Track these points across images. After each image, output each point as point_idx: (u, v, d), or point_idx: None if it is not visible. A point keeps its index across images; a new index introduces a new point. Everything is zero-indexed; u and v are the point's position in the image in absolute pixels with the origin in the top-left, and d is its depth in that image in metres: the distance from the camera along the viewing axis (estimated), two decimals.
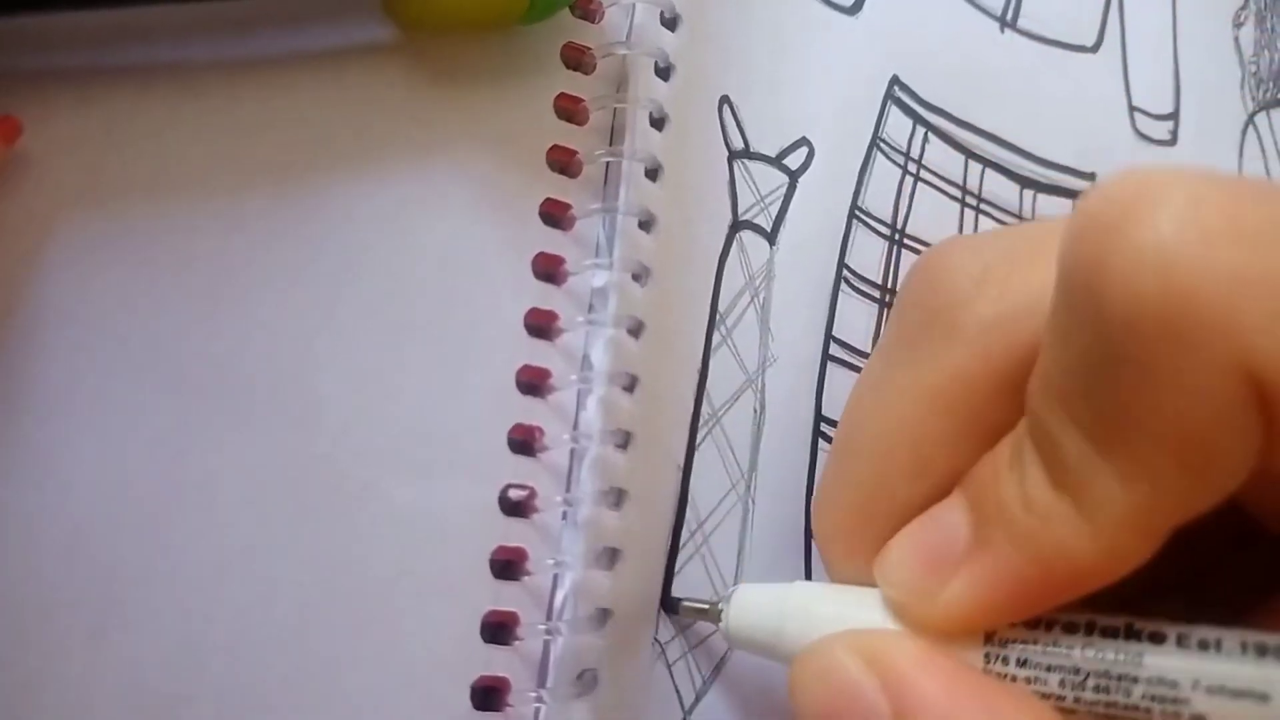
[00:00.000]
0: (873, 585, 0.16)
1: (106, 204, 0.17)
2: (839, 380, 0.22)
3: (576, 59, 0.20)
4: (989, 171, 0.25)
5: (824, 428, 0.22)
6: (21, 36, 0.17)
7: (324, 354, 0.18)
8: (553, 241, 0.20)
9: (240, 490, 0.17)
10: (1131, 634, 0.14)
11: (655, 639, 0.19)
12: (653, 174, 0.20)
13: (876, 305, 0.23)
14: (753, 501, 0.21)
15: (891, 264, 0.23)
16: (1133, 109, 0.28)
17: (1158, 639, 0.14)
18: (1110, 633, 0.14)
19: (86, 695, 0.15)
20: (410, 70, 0.19)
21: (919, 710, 0.14)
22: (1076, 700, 0.14)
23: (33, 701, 0.15)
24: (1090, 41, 0.28)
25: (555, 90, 0.20)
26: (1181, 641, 0.14)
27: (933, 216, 0.24)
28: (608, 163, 0.20)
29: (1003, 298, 0.16)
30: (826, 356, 0.22)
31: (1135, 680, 0.14)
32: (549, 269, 0.20)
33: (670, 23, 0.21)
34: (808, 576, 0.21)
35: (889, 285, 0.23)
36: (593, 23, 0.21)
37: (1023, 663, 0.15)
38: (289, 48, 0.18)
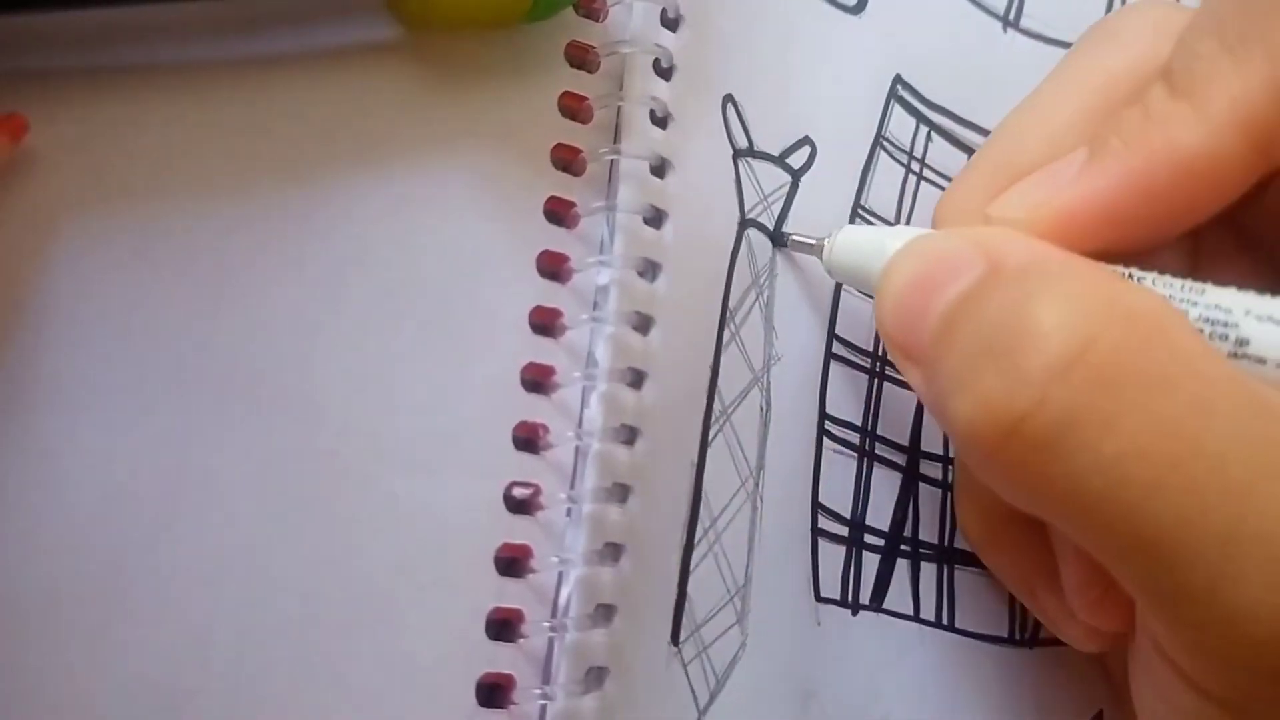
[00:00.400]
0: None
1: (111, 201, 0.17)
2: (842, 379, 0.22)
3: (580, 57, 0.20)
4: None
5: (828, 426, 0.22)
6: (27, 35, 0.17)
7: (328, 351, 0.18)
8: (557, 239, 0.20)
9: (244, 486, 0.17)
10: (1200, 280, 0.16)
11: (673, 638, 0.19)
12: (660, 170, 0.20)
13: None
14: (760, 499, 0.21)
15: None
16: None
17: (1221, 285, 0.16)
18: (1181, 276, 0.16)
19: (90, 690, 0.15)
20: (414, 69, 0.19)
21: (1015, 255, 0.15)
22: None
23: (36, 697, 0.15)
24: None
25: (559, 88, 0.20)
26: (1241, 288, 0.16)
27: None
28: (612, 160, 0.20)
29: (1172, 9, 0.18)
30: (829, 355, 0.22)
31: (1195, 304, 0.16)
32: (553, 266, 0.20)
33: (672, 22, 0.21)
34: (815, 577, 0.21)
35: None
36: (596, 21, 0.21)
37: None
38: (293, 46, 0.19)
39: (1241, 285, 0.16)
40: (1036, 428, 0.13)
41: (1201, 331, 0.15)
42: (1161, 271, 0.16)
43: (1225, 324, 0.15)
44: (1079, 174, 0.16)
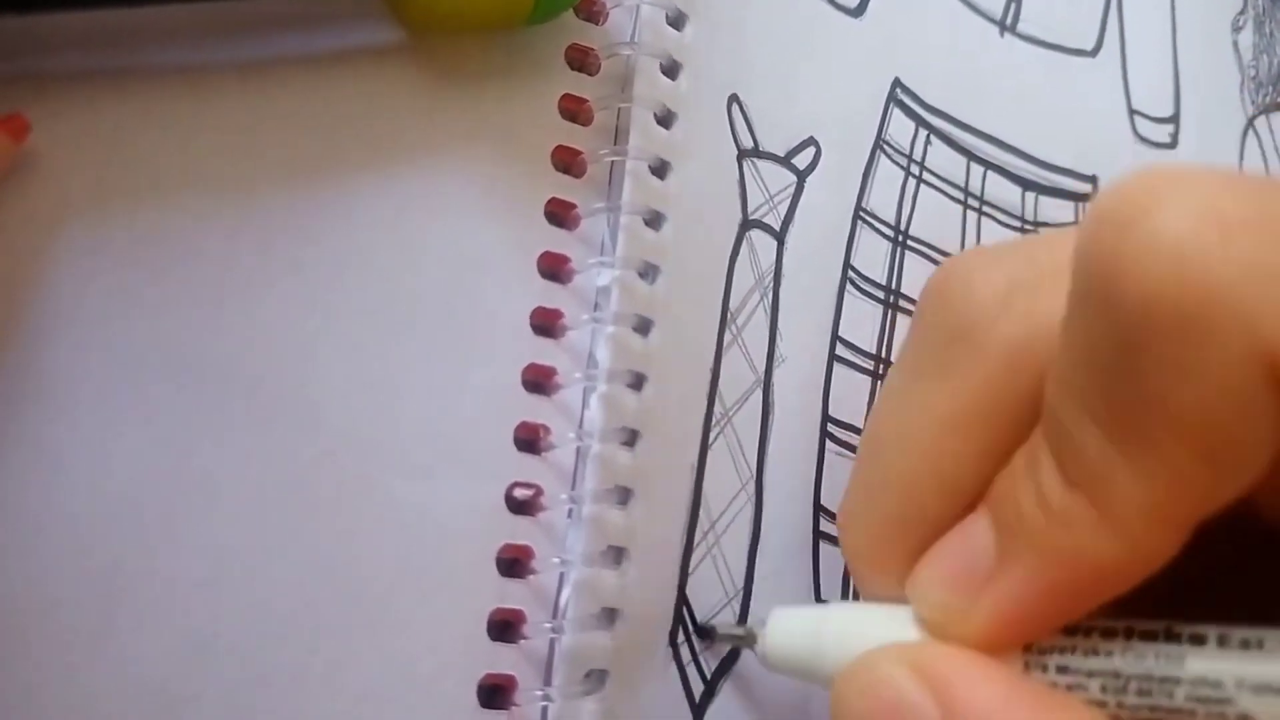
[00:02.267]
0: (906, 601, 0.16)
1: (113, 203, 0.17)
2: (845, 381, 0.22)
3: (580, 60, 0.20)
4: (990, 174, 0.25)
5: (831, 428, 0.22)
6: (30, 36, 0.17)
7: (329, 352, 0.18)
8: (558, 240, 0.20)
9: (245, 488, 0.17)
10: (1171, 636, 0.14)
11: (670, 639, 0.19)
12: (660, 171, 0.20)
13: (881, 306, 0.23)
14: (762, 502, 0.21)
15: (895, 265, 0.24)
16: (1133, 112, 0.28)
17: (1198, 640, 0.14)
18: (1149, 636, 0.14)
19: (90, 694, 0.15)
20: (416, 71, 0.19)
21: (971, 716, 0.14)
22: (1119, 705, 0.14)
23: (37, 699, 0.15)
24: (1089, 45, 0.28)
25: (560, 91, 0.20)
26: (1223, 642, 0.14)
27: (935, 218, 0.24)
28: (612, 162, 0.20)
29: (1028, 315, 0.16)
30: (833, 357, 0.22)
31: (1178, 682, 0.14)
32: (554, 268, 0.20)
33: (676, 22, 0.21)
34: (816, 579, 0.21)
35: (893, 286, 0.23)
36: (597, 24, 0.21)
37: (1063, 669, 0.15)
38: (296, 49, 0.19)
39: (1219, 633, 0.14)
40: None
41: (1194, 713, 0.14)
42: (1129, 625, 0.14)
43: (1219, 700, 0.13)
44: (994, 578, 0.15)
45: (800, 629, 0.17)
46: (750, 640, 0.18)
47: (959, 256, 0.18)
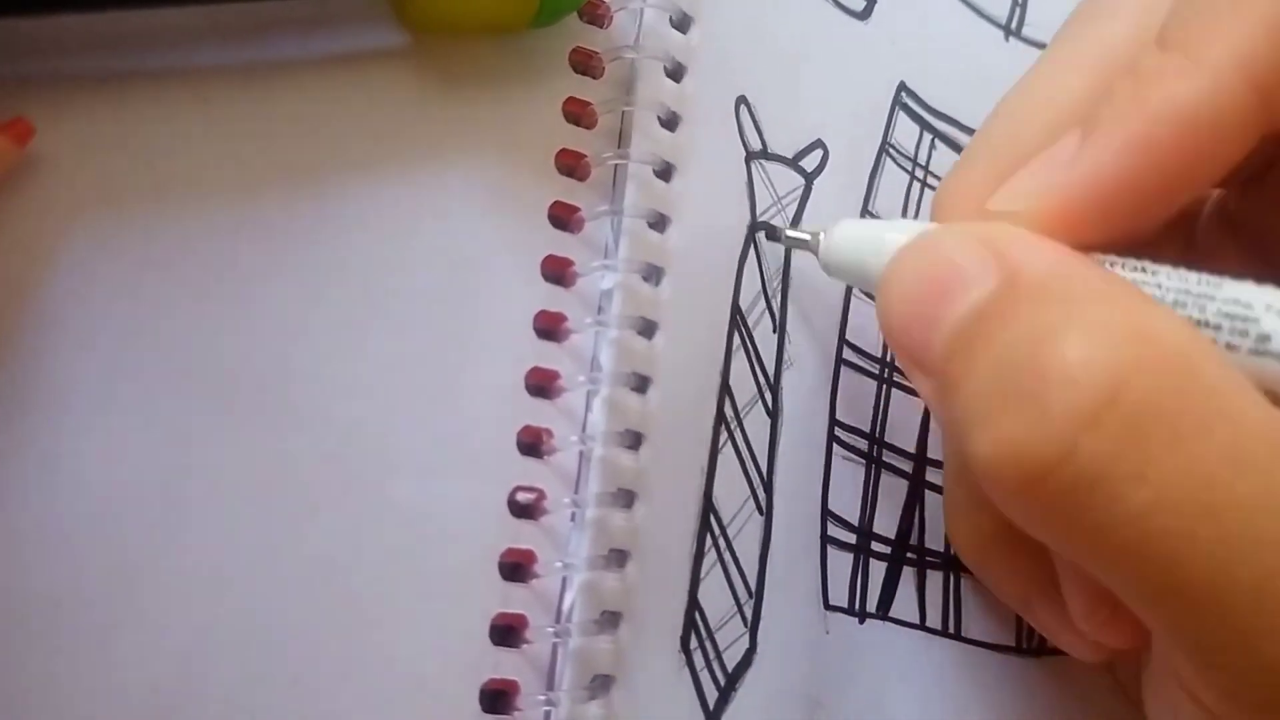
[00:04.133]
0: None
1: (117, 206, 0.17)
2: (852, 385, 0.22)
3: (584, 64, 0.20)
4: None
5: (838, 432, 0.22)
6: (34, 39, 0.17)
7: (333, 355, 0.18)
8: (561, 244, 0.20)
9: (247, 489, 0.17)
10: (1216, 273, 0.15)
11: (682, 645, 0.19)
12: (665, 174, 0.20)
13: None
14: (771, 506, 0.21)
15: None
16: None
17: (1239, 277, 0.15)
18: (1196, 268, 0.15)
19: (92, 694, 0.15)
20: (420, 74, 0.19)
21: (1030, 270, 0.14)
22: None
23: (40, 701, 0.15)
24: None
25: (564, 94, 0.20)
26: (1259, 280, 0.15)
27: None
28: (616, 165, 0.20)
29: None
30: (840, 360, 0.22)
31: (1212, 299, 0.15)
32: (557, 271, 0.20)
33: (680, 25, 0.21)
34: (824, 585, 0.21)
35: None
36: (600, 28, 0.21)
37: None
38: (300, 52, 0.19)
39: (1257, 276, 0.15)
40: (1064, 478, 0.13)
41: (1220, 327, 0.15)
42: (1175, 264, 0.16)
43: (1245, 319, 0.15)
44: (1076, 154, 0.15)
45: (865, 234, 0.18)
46: (814, 245, 0.19)
47: None
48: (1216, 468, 0.13)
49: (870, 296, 0.22)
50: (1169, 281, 0.15)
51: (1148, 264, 0.16)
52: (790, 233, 0.20)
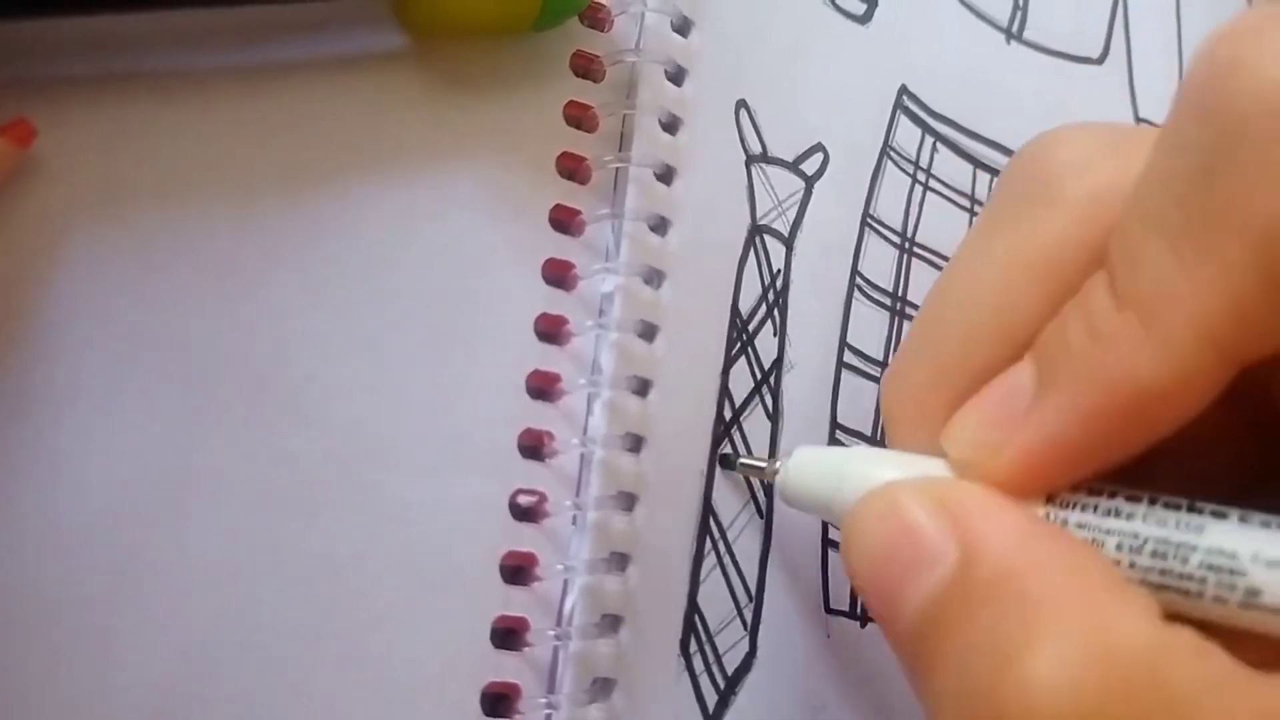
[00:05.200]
0: (939, 457, 0.16)
1: (119, 207, 0.17)
2: (853, 388, 0.22)
3: (585, 67, 0.20)
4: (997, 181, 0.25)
5: (839, 435, 0.22)
6: (36, 41, 0.17)
7: (333, 357, 0.18)
8: (562, 247, 0.20)
9: (249, 491, 0.17)
10: (1194, 509, 0.14)
11: (681, 648, 0.19)
12: (666, 177, 0.20)
13: (888, 314, 0.23)
14: (771, 509, 0.20)
15: (902, 272, 0.23)
16: (1139, 120, 0.28)
17: (1220, 515, 0.14)
18: (1173, 506, 0.14)
19: (94, 694, 0.15)
20: (421, 77, 0.19)
21: (989, 555, 0.14)
22: (1132, 566, 0.14)
23: (41, 701, 0.15)
24: (1096, 53, 0.28)
25: (565, 97, 0.20)
26: (1244, 520, 0.14)
27: (942, 226, 0.24)
28: (617, 168, 0.20)
29: (1110, 173, 0.15)
30: (841, 364, 0.22)
31: (1194, 549, 0.14)
32: (558, 274, 0.20)
33: (681, 28, 0.21)
34: (825, 588, 0.21)
35: (900, 294, 0.23)
36: (601, 31, 0.21)
37: (1081, 525, 0.14)
38: (302, 55, 0.19)
39: (1240, 511, 0.14)
40: None
41: (1205, 580, 0.14)
42: (1153, 495, 0.14)
43: (1231, 571, 0.14)
44: (1030, 410, 0.15)
45: (823, 465, 0.17)
46: (770, 473, 0.18)
47: (1050, 129, 0.17)
48: None
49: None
50: (1145, 528, 0.14)
51: (1122, 504, 0.14)
52: (746, 460, 0.20)
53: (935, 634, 0.14)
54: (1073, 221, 0.16)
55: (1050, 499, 0.15)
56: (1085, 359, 0.14)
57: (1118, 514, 0.14)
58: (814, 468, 0.17)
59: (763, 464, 0.19)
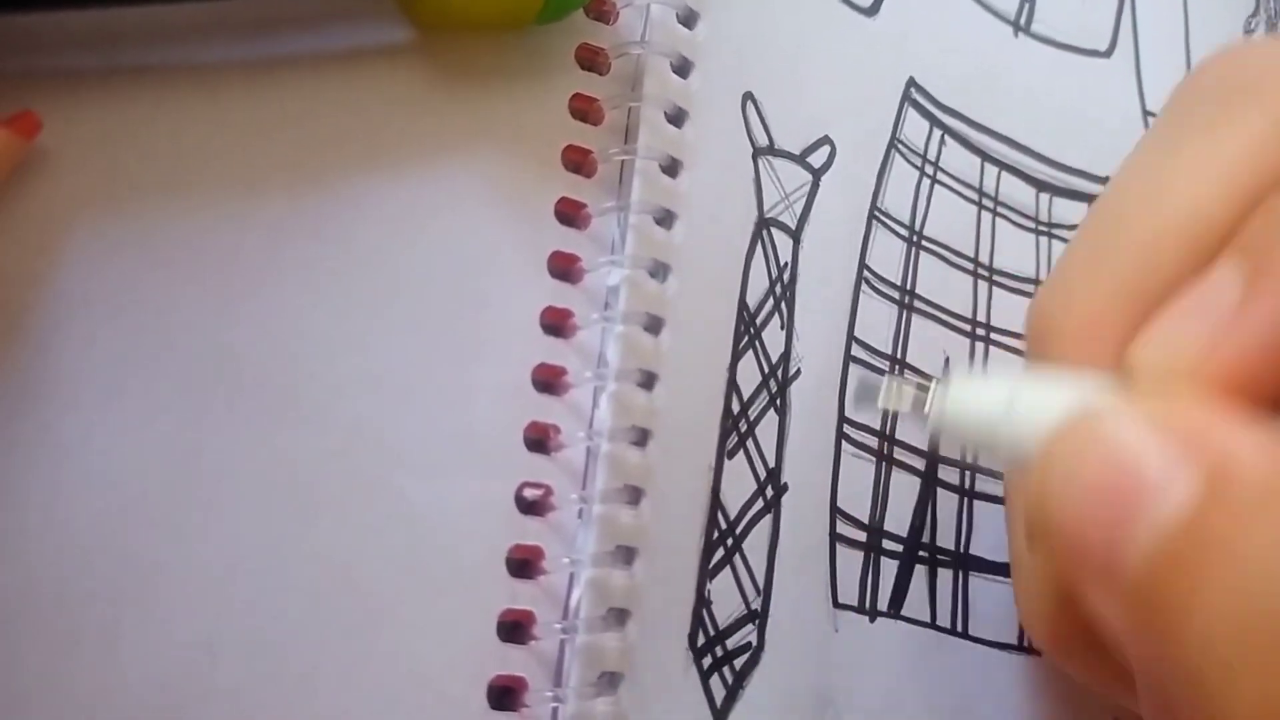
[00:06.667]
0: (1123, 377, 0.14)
1: (123, 201, 0.17)
2: None
3: (590, 60, 0.20)
4: (1005, 174, 0.25)
5: (847, 429, 0.22)
6: (41, 34, 0.17)
7: (338, 351, 0.18)
8: (568, 240, 0.20)
9: (253, 486, 0.17)
10: None
11: (690, 642, 0.19)
12: (671, 170, 0.20)
13: (896, 307, 0.23)
14: (780, 504, 0.20)
15: (910, 265, 0.23)
16: (1147, 113, 0.28)
17: None
18: None
19: (97, 692, 0.15)
20: (426, 70, 0.19)
21: (1249, 469, 0.11)
22: None
23: (47, 698, 0.15)
24: (1103, 46, 0.28)
25: (570, 90, 0.20)
26: None
27: (950, 219, 0.24)
28: (622, 161, 0.20)
29: None
30: (849, 358, 0.22)
31: None
32: (564, 267, 0.20)
33: (687, 20, 0.21)
34: (833, 583, 0.21)
35: (908, 287, 0.23)
36: (607, 23, 0.21)
37: None
38: (306, 48, 0.19)
39: None
40: None
41: None
42: None
43: None
44: (1241, 309, 0.13)
45: (987, 394, 0.15)
46: (922, 402, 0.16)
47: (1233, 44, 0.16)
48: None
49: (873, 283, 0.21)
50: None
51: None
52: (897, 386, 0.16)
53: (1183, 571, 0.11)
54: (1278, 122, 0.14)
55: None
56: None
57: None
58: (976, 399, 0.15)
59: (912, 389, 0.16)
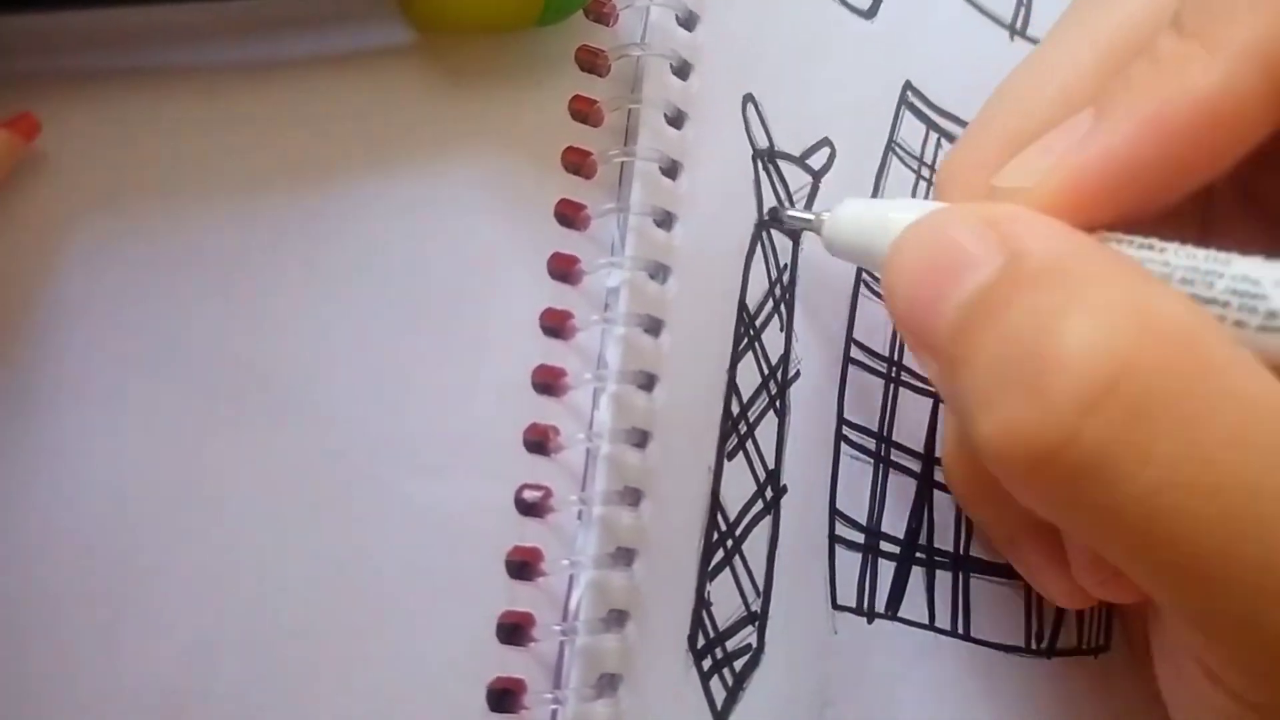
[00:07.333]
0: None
1: (123, 202, 0.17)
2: (859, 384, 0.22)
3: (590, 62, 0.20)
4: None
5: (846, 431, 0.22)
6: (40, 36, 0.17)
7: (338, 352, 0.18)
8: (568, 242, 0.20)
9: (253, 488, 0.17)
10: (1223, 250, 0.15)
11: (690, 644, 0.19)
12: (671, 172, 0.20)
13: None
14: (779, 504, 0.20)
15: None
16: None
17: (1247, 255, 0.15)
18: (1206, 245, 0.15)
19: (96, 693, 0.15)
20: (426, 72, 0.19)
21: (1035, 251, 0.14)
22: None
23: (44, 699, 0.15)
24: None
25: (570, 92, 0.20)
26: (1269, 256, 0.15)
27: None
28: (622, 163, 0.20)
29: None
30: (847, 359, 0.22)
31: (1220, 275, 0.15)
32: (564, 269, 0.20)
33: (687, 23, 0.21)
34: (832, 584, 0.21)
35: None
36: (607, 25, 0.21)
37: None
38: (306, 49, 0.19)
39: (1267, 253, 0.15)
40: (1068, 460, 0.13)
41: (1228, 304, 0.14)
42: (1182, 241, 0.16)
43: (1253, 296, 0.14)
44: (1088, 134, 0.15)
45: (870, 214, 0.18)
46: (817, 225, 0.19)
47: None
48: (1221, 448, 0.13)
49: (875, 278, 0.22)
50: (1176, 259, 0.15)
51: (1155, 241, 0.15)
52: (793, 213, 0.20)
53: (975, 324, 0.14)
54: (1143, 6, 0.17)
55: (1092, 233, 0.15)
56: (1143, 82, 0.15)
57: (1151, 248, 0.15)
58: (859, 217, 0.18)
59: (810, 216, 0.20)
